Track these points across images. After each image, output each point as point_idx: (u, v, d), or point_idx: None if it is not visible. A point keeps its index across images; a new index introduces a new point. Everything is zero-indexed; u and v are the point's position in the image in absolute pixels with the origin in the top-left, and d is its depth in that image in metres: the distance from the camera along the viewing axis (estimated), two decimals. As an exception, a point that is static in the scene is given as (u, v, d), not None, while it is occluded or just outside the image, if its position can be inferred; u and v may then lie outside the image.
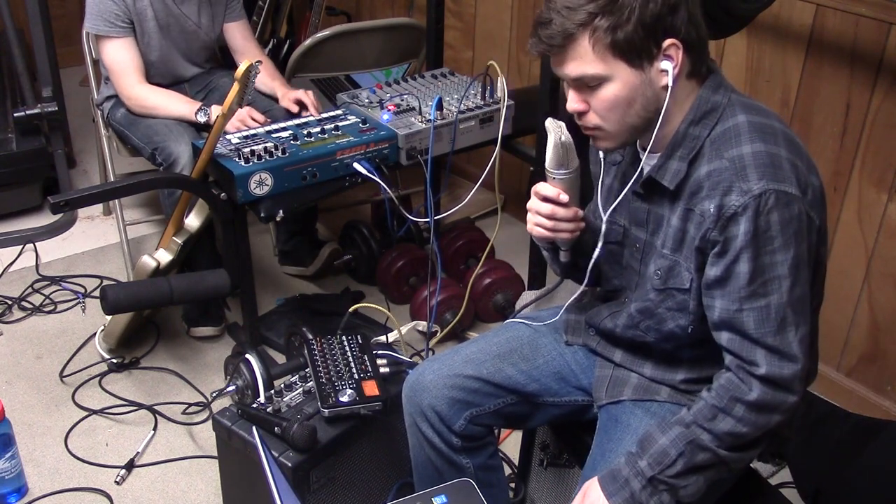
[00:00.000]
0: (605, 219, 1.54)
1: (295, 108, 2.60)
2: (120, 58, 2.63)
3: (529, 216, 1.56)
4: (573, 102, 1.40)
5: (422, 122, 2.39)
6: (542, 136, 2.42)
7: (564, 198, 1.51)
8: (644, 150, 1.46)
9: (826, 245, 1.45)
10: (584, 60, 1.34)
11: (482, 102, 2.48)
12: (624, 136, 1.42)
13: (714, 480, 1.44)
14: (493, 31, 3.35)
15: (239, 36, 2.86)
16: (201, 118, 2.54)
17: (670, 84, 1.35)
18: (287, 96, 2.66)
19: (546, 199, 1.52)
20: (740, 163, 1.34)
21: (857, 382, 2.46)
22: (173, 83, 2.80)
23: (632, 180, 1.49)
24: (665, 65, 1.34)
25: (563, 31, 1.32)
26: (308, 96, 2.62)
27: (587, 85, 1.37)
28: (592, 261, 1.55)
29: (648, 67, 1.34)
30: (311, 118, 2.44)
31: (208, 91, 2.89)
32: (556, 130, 1.46)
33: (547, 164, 1.50)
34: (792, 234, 1.32)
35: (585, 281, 1.62)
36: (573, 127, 1.47)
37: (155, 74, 2.72)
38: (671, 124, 1.41)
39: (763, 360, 1.35)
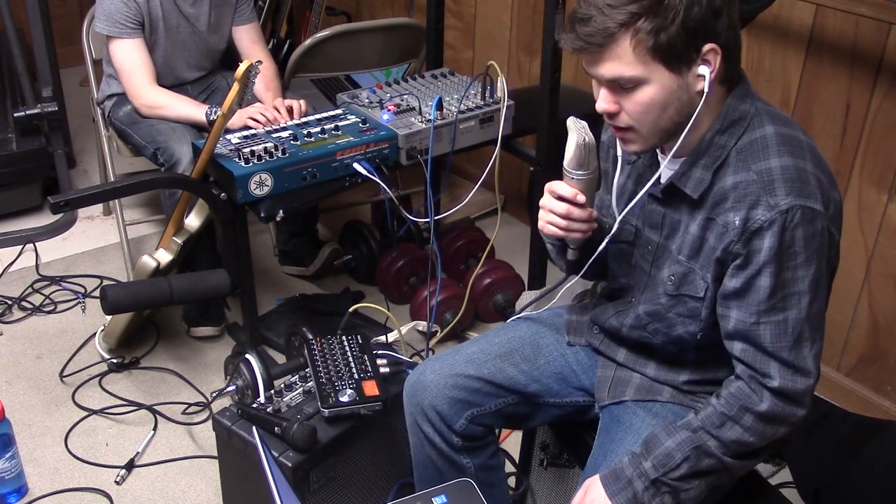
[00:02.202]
0: (617, 217, 1.52)
1: (253, 124, 2.45)
2: (130, 58, 2.63)
3: (542, 213, 1.53)
4: (604, 103, 1.36)
5: (422, 122, 2.38)
6: (542, 136, 2.43)
7: (581, 198, 1.48)
8: (664, 154, 1.44)
9: (839, 258, 1.44)
10: (622, 62, 1.30)
11: (482, 102, 2.47)
12: (654, 140, 1.39)
13: (714, 485, 1.45)
14: (493, 31, 3.35)
15: (247, 39, 2.83)
16: (213, 117, 2.51)
17: (706, 90, 1.32)
18: (266, 105, 2.58)
19: (561, 199, 1.49)
20: (768, 176, 1.32)
21: (857, 382, 2.46)
22: (175, 84, 2.79)
23: (650, 183, 1.46)
24: (703, 69, 1.31)
25: (603, 29, 1.28)
26: (283, 105, 2.53)
27: (622, 87, 1.33)
28: (594, 256, 1.54)
29: (686, 72, 1.31)
30: (310, 118, 2.44)
31: (210, 92, 2.89)
32: (579, 130, 1.43)
33: (566, 164, 1.46)
34: (814, 250, 1.32)
35: (582, 272, 1.60)
36: (592, 126, 1.45)
37: (158, 75, 2.71)
38: (697, 130, 1.38)
39: (777, 373, 1.35)
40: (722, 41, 1.31)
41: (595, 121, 1.47)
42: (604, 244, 1.52)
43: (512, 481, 2.02)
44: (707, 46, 1.30)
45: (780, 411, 1.37)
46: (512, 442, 2.21)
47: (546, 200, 1.52)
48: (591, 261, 1.56)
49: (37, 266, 3.08)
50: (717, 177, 1.38)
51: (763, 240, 1.31)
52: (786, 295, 1.33)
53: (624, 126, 1.38)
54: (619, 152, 1.54)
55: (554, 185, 1.51)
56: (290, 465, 1.75)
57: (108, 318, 2.58)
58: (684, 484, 1.41)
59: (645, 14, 1.26)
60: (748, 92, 1.40)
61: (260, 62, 2.17)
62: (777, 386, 1.35)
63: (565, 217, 1.50)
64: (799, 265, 1.32)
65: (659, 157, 1.48)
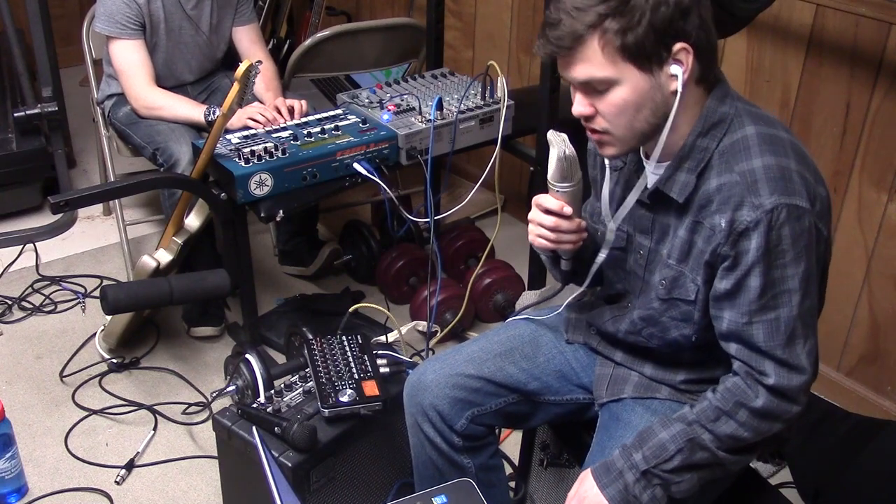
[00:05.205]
0: (612, 227, 1.52)
1: (253, 125, 2.44)
2: (129, 59, 2.62)
3: (531, 227, 1.54)
4: (579, 106, 1.37)
5: (422, 122, 2.39)
6: (543, 138, 2.43)
7: (568, 210, 1.49)
8: (648, 157, 1.45)
9: (830, 253, 1.45)
10: (592, 63, 1.31)
11: (482, 102, 2.48)
12: (631, 143, 1.40)
13: (708, 480, 1.45)
14: (493, 31, 3.35)
15: (246, 40, 2.83)
16: (211, 118, 2.51)
17: (680, 89, 1.32)
18: (267, 104, 2.58)
19: (548, 212, 1.50)
20: (751, 177, 1.32)
21: (857, 382, 2.46)
22: (176, 85, 2.79)
23: (636, 188, 1.47)
24: (675, 69, 1.31)
25: (571, 32, 1.29)
26: (284, 105, 2.53)
27: (595, 89, 1.34)
28: (595, 266, 1.55)
29: (658, 72, 1.32)
30: (310, 118, 2.44)
31: (210, 92, 2.89)
32: (559, 144, 1.44)
33: (550, 177, 1.48)
34: (803, 247, 1.32)
35: (586, 283, 1.62)
36: (574, 135, 1.45)
37: (158, 76, 2.70)
38: (678, 132, 1.39)
39: (772, 371, 1.36)
40: (693, 40, 1.31)
41: (579, 130, 1.47)
42: (603, 254, 1.53)
43: (512, 483, 2.03)
44: (677, 46, 1.31)
45: (774, 408, 1.37)
46: (511, 442, 2.21)
47: (534, 214, 1.53)
48: (591, 273, 1.56)
49: (37, 266, 3.08)
50: (701, 180, 1.39)
51: (750, 240, 1.31)
52: (776, 293, 1.33)
53: (600, 129, 1.38)
54: (607, 162, 1.55)
55: (540, 199, 1.51)
56: (290, 465, 1.75)
57: (108, 318, 2.58)
58: (675, 477, 1.41)
59: (611, 14, 1.28)
60: (728, 93, 1.40)
61: (260, 62, 2.17)
62: (773, 383, 1.36)
63: (554, 230, 1.51)
64: (788, 263, 1.32)
65: (644, 163, 1.48)
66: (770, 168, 1.32)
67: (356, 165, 2.28)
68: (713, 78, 1.39)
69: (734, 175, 1.34)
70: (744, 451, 1.44)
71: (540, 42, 1.35)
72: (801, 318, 1.35)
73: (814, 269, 1.35)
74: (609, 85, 1.32)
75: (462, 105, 2.43)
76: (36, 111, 3.26)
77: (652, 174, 1.46)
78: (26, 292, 2.93)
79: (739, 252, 1.33)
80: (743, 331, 1.36)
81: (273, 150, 2.22)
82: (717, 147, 1.38)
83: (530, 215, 1.54)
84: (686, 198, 1.40)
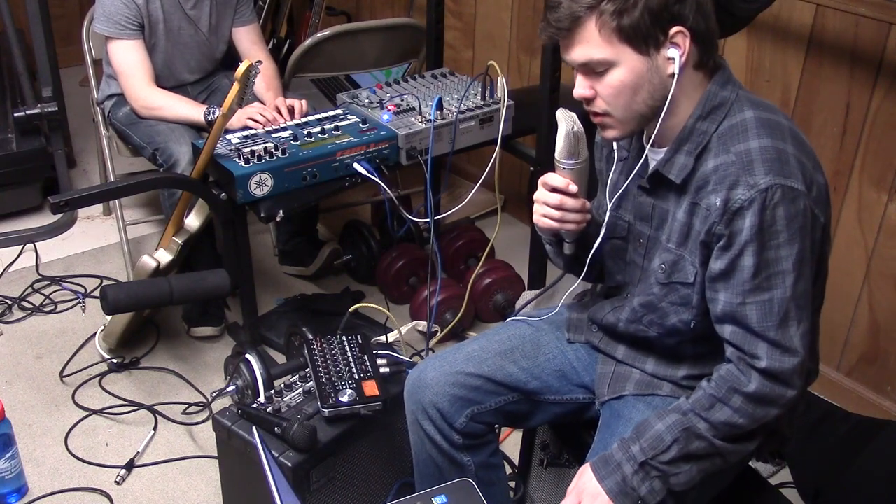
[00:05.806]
0: (608, 209, 1.54)
1: (253, 125, 2.43)
2: (129, 59, 2.62)
3: (536, 207, 1.56)
4: (580, 88, 1.41)
5: (422, 122, 2.39)
6: (542, 136, 2.43)
7: (573, 188, 1.51)
8: (650, 143, 1.46)
9: (829, 244, 1.45)
10: (590, 45, 1.35)
11: (482, 102, 2.48)
12: (631, 125, 1.42)
13: (708, 472, 1.45)
14: (493, 31, 3.35)
15: (247, 40, 2.83)
16: (211, 118, 2.51)
17: (677, 72, 1.35)
18: (268, 104, 2.57)
19: (554, 190, 1.52)
20: (747, 157, 1.34)
21: (857, 382, 2.46)
22: (175, 86, 2.79)
23: (634, 171, 1.49)
24: (672, 52, 1.35)
25: (570, 14, 1.34)
26: (284, 104, 2.53)
27: (594, 70, 1.38)
28: (593, 250, 1.56)
29: (655, 54, 1.35)
30: (311, 118, 2.44)
31: (210, 92, 2.89)
32: (567, 120, 1.47)
33: (557, 154, 1.50)
34: (797, 229, 1.33)
35: (584, 273, 1.62)
36: (582, 119, 1.47)
37: (158, 76, 2.70)
38: (678, 117, 1.41)
39: (764, 354, 1.36)
40: (690, 24, 1.34)
41: (586, 116, 1.49)
42: (600, 237, 1.54)
43: (512, 483, 2.02)
44: (674, 29, 1.34)
45: (768, 392, 1.38)
46: (511, 442, 2.21)
47: (539, 193, 1.55)
48: (590, 256, 1.57)
49: (37, 266, 3.08)
50: (699, 162, 1.41)
51: (744, 219, 1.33)
52: (770, 274, 1.34)
53: (600, 111, 1.42)
54: (615, 148, 1.56)
55: (546, 177, 1.53)
56: (290, 465, 1.75)
57: (108, 318, 2.58)
58: (673, 468, 1.41)
59: None
60: (729, 79, 1.43)
61: (260, 62, 2.17)
62: (764, 366, 1.36)
63: (558, 208, 1.53)
64: (782, 244, 1.33)
65: (647, 149, 1.50)
66: (767, 149, 1.34)
67: (356, 165, 2.28)
68: (713, 64, 1.41)
69: (730, 155, 1.36)
70: (742, 439, 1.44)
71: (541, 25, 1.39)
72: (795, 300, 1.35)
73: (808, 252, 1.36)
74: (607, 66, 1.36)
75: (462, 105, 2.43)
76: (36, 111, 3.26)
77: (653, 159, 1.47)
78: (26, 292, 2.93)
79: (733, 231, 1.34)
80: (737, 311, 1.37)
81: (273, 150, 2.22)
82: (716, 130, 1.40)
83: (536, 194, 1.55)
84: (684, 179, 1.42)
